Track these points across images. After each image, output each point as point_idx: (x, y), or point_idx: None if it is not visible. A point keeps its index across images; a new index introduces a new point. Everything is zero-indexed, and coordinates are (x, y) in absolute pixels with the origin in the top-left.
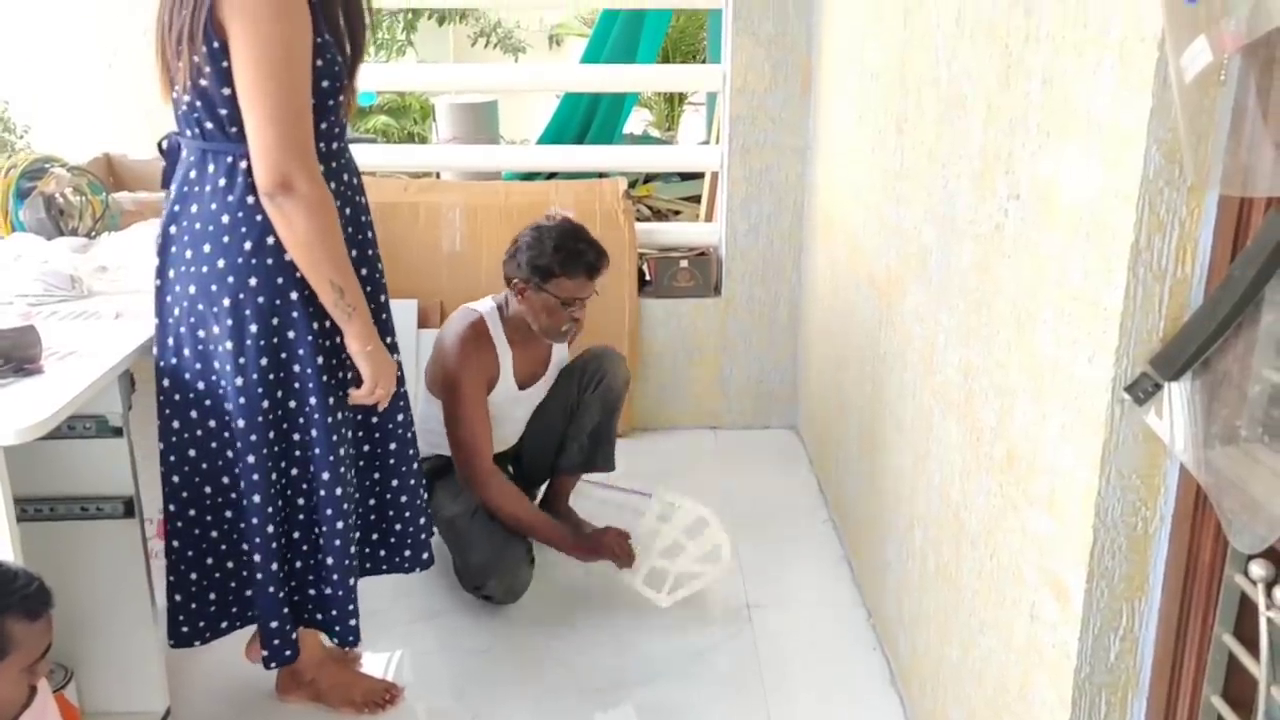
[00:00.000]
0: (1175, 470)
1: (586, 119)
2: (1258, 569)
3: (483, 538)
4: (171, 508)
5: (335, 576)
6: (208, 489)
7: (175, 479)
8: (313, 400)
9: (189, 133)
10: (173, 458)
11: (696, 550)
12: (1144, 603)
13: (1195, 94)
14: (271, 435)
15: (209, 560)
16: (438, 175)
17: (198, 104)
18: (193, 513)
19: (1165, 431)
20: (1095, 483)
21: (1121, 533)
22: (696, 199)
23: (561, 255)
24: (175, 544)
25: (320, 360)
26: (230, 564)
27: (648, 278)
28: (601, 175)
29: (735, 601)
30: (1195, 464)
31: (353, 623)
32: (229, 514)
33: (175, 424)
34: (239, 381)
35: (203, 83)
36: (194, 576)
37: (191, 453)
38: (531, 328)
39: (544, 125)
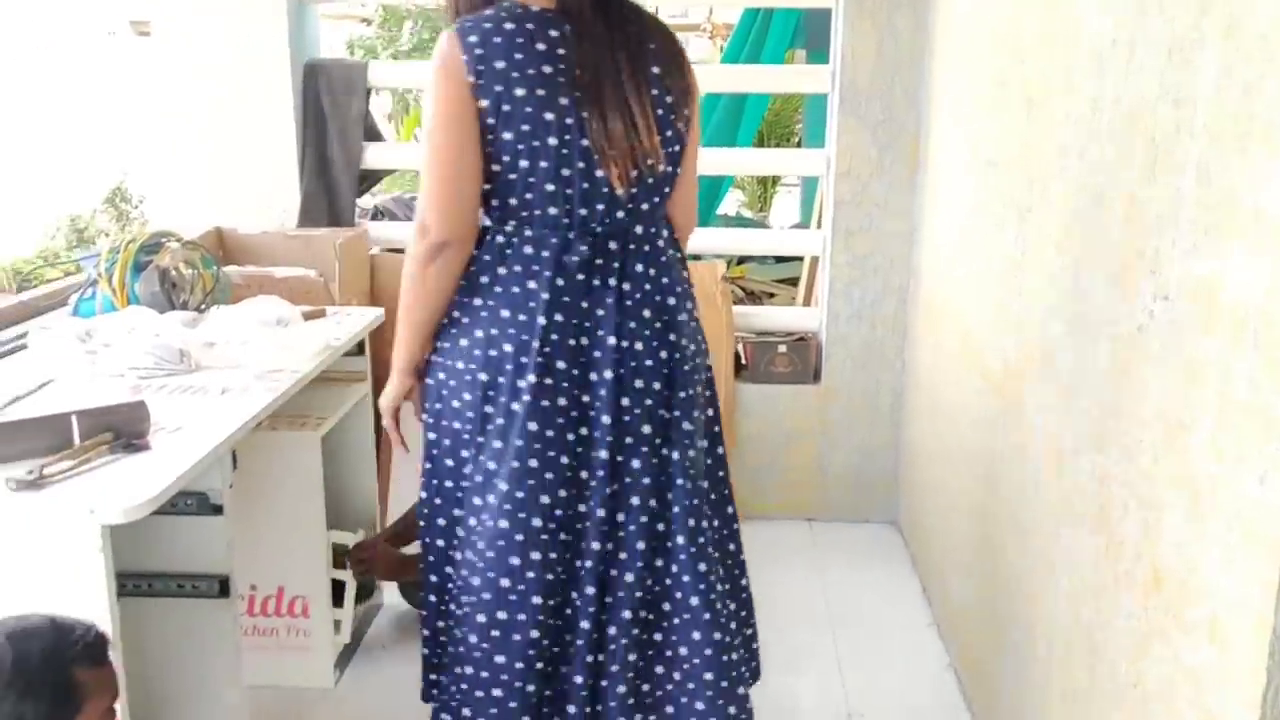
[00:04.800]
0: None
1: None
2: None
3: None
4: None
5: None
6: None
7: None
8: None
9: None
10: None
11: None
12: None
13: None
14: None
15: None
16: None
17: None
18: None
19: None
20: (1270, 617)
21: None
22: (791, 281)
23: None
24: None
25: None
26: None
27: (744, 361)
28: (696, 257)
29: (836, 708)
30: None
31: None
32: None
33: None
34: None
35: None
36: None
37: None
38: None
39: None
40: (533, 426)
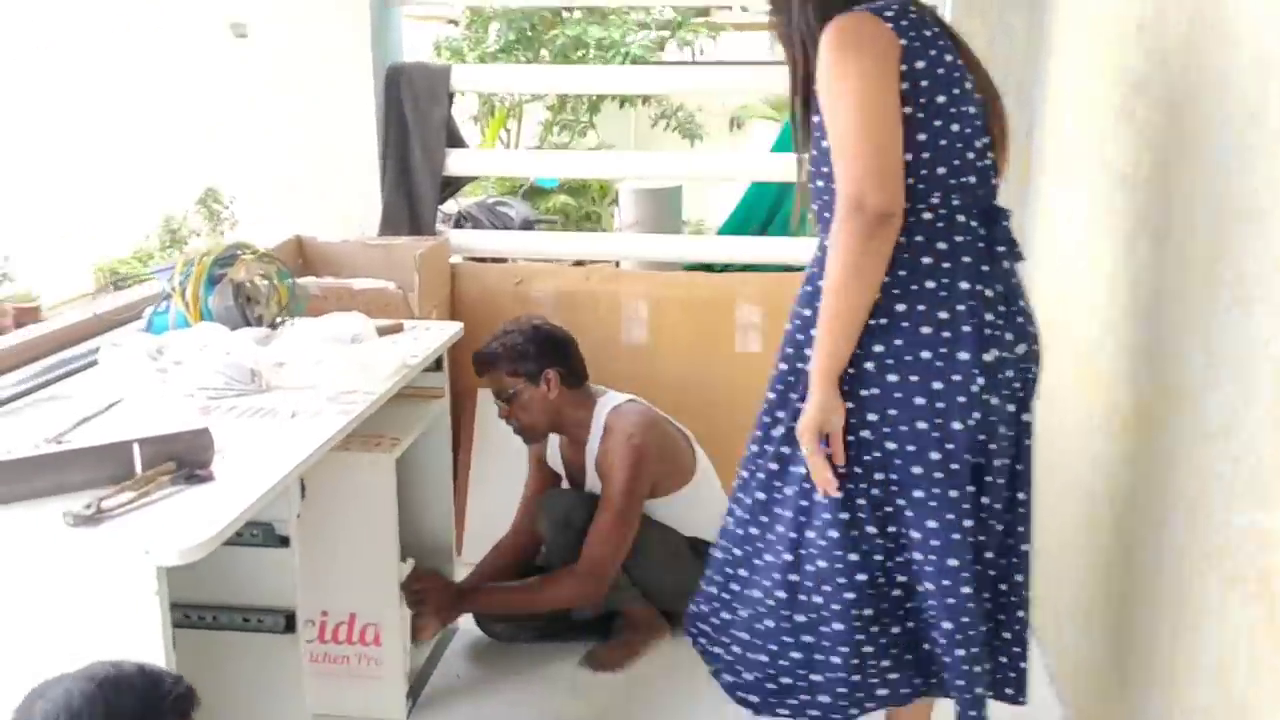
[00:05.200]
0: None
1: (773, 208)
2: None
3: None
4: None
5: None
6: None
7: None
8: None
9: None
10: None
11: None
12: None
13: None
14: None
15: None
16: (617, 264)
17: None
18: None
19: None
20: None
21: None
22: None
23: None
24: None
25: None
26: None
27: None
28: (788, 268)
29: None
30: None
31: None
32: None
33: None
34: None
35: None
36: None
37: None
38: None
39: (727, 208)
40: (994, 401)
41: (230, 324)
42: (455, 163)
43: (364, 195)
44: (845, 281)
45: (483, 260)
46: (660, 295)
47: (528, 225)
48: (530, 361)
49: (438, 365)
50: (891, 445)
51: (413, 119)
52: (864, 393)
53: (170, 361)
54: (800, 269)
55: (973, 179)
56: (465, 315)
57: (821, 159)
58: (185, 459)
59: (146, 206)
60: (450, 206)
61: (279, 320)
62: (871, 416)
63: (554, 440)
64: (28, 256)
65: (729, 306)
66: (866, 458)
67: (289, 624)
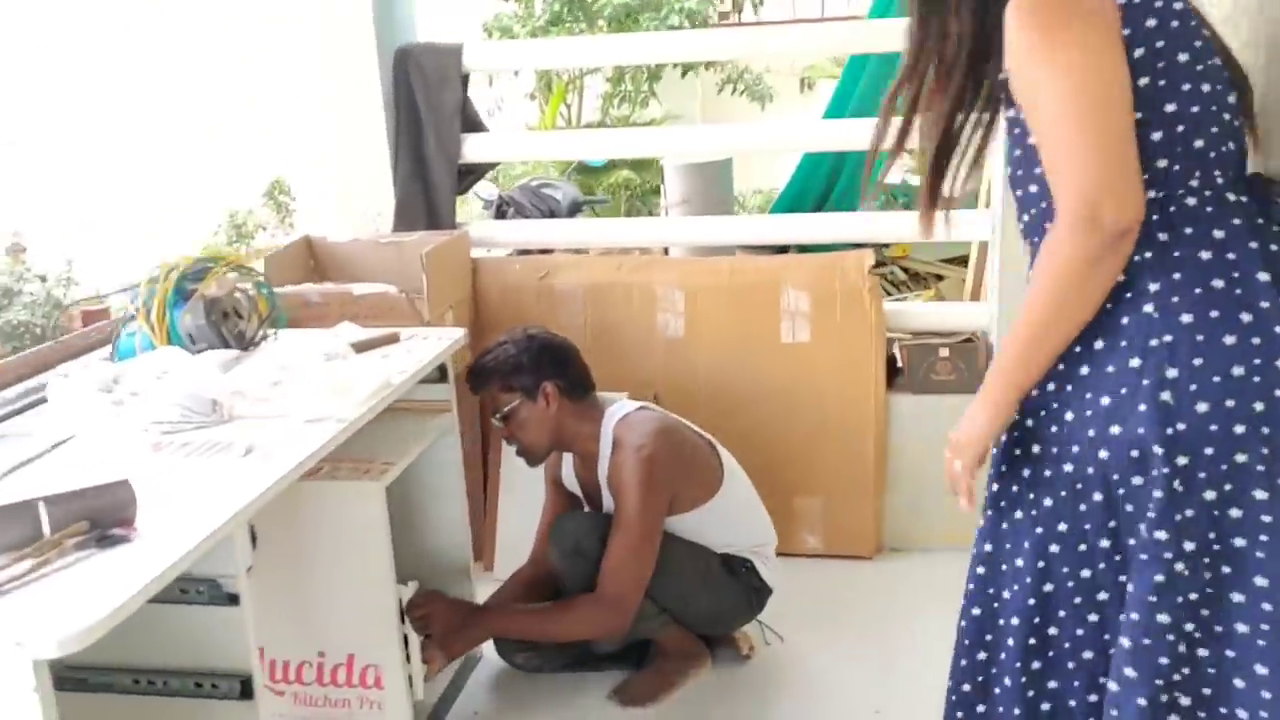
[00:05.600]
0: None
1: (830, 181)
2: None
3: None
4: None
5: None
6: None
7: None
8: None
9: None
10: None
11: None
12: None
13: None
14: None
15: None
16: (666, 251)
17: None
18: None
19: None
20: None
21: None
22: (962, 260)
23: None
24: None
25: None
26: None
27: (899, 366)
28: (859, 245)
29: None
30: None
31: None
32: None
33: None
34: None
35: None
36: None
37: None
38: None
39: (786, 175)
40: None
41: (206, 343)
42: (472, 149)
43: (376, 189)
44: (1060, 307)
45: (528, 252)
46: (698, 284)
47: (575, 207)
48: (526, 375)
49: (442, 375)
50: (1210, 494)
51: (424, 104)
52: (1169, 431)
53: (127, 392)
54: (859, 246)
55: (1232, 145)
56: (489, 315)
57: (1026, 160)
58: (101, 518)
59: (214, 201)
60: (490, 192)
61: (261, 335)
62: (1181, 460)
63: (568, 459)
64: (96, 257)
65: (774, 293)
66: (1178, 517)
67: (245, 689)
